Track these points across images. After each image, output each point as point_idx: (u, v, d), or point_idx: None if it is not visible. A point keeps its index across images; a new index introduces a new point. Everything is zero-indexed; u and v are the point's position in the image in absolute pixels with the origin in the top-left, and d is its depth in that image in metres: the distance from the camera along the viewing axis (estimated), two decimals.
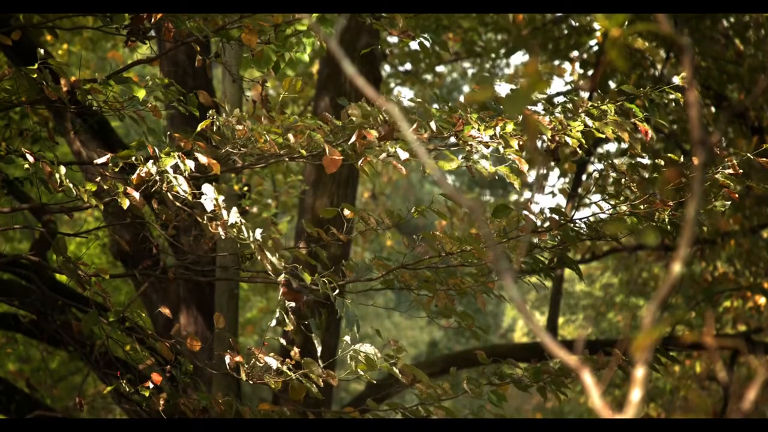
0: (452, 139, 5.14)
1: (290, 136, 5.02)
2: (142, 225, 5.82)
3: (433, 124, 5.05)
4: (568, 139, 5.11)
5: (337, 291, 4.91)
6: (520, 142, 5.02)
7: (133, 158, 4.77)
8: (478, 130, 5.04)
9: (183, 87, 5.34)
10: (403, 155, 4.94)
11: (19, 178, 6.17)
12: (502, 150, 5.06)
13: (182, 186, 4.62)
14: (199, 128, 4.94)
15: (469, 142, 5.06)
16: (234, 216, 4.65)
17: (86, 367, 7.47)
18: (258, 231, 4.70)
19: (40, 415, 6.62)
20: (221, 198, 4.67)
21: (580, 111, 5.21)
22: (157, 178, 4.67)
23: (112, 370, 5.90)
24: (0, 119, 6.95)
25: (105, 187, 4.86)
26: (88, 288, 5.05)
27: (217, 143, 5.08)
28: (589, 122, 5.18)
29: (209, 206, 4.62)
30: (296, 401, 5.07)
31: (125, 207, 4.69)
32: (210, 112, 5.00)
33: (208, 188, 4.64)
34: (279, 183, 12.05)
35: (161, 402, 5.19)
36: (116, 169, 4.85)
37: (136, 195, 4.68)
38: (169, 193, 4.70)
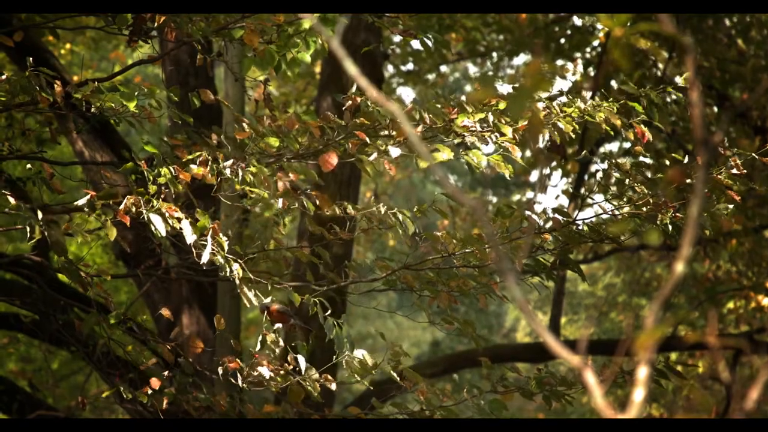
0: (453, 145, 5.13)
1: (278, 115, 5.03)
2: (144, 225, 5.82)
3: (426, 116, 5.06)
4: (560, 125, 5.11)
5: (328, 312, 4.90)
6: (513, 132, 5.03)
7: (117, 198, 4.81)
8: (470, 119, 5.05)
9: (185, 86, 5.34)
10: (395, 152, 4.95)
11: (21, 178, 6.17)
12: (495, 138, 5.06)
13: (159, 227, 4.65)
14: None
15: (462, 133, 5.06)
16: (207, 256, 4.66)
17: (88, 367, 7.46)
18: (236, 266, 4.70)
19: (42, 415, 6.61)
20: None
21: (576, 102, 5.23)
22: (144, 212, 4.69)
23: (114, 370, 5.90)
24: (4, 119, 6.95)
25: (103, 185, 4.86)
26: (89, 288, 5.05)
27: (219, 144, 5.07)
28: (582, 105, 5.19)
29: (190, 240, 4.65)
30: (296, 403, 5.08)
31: (112, 238, 4.73)
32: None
33: (185, 225, 4.65)
34: None
35: (164, 402, 5.19)
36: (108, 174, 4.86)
37: (127, 220, 4.69)
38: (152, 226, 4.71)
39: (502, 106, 5.03)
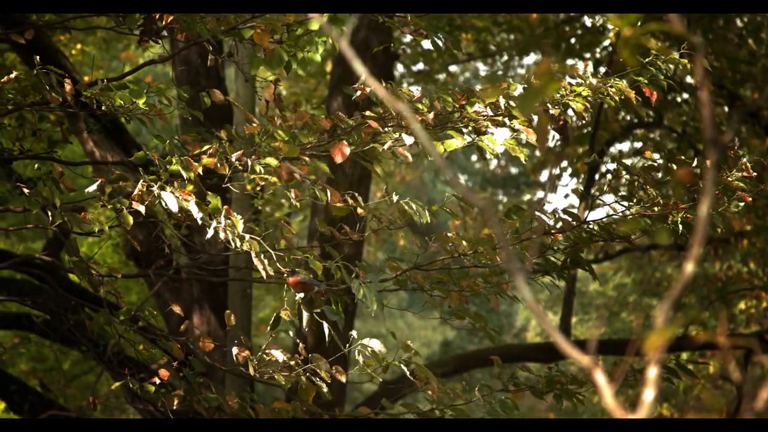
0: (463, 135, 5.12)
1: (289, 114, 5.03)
2: (155, 224, 5.84)
3: (437, 104, 5.05)
4: (573, 105, 5.10)
5: (354, 274, 4.90)
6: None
7: (121, 182, 4.81)
8: (481, 104, 5.04)
9: (195, 87, 5.35)
10: (409, 140, 4.95)
11: (32, 178, 6.18)
12: (508, 122, 5.06)
13: (172, 204, 4.64)
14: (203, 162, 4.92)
15: (474, 118, 5.06)
16: (212, 231, 4.65)
17: (99, 367, 7.48)
18: (246, 236, 4.69)
19: (53, 415, 6.63)
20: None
21: (587, 80, 5.24)
22: (156, 191, 4.69)
23: (125, 370, 5.91)
24: (15, 119, 6.97)
25: (108, 190, 4.87)
26: (100, 288, 5.06)
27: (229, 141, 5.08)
28: (593, 81, 5.20)
29: (197, 216, 4.64)
30: (306, 401, 5.07)
31: (129, 227, 4.73)
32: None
33: (192, 205, 4.65)
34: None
35: (175, 401, 5.19)
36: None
37: (142, 209, 4.69)
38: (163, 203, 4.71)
39: (513, 89, 5.02)
